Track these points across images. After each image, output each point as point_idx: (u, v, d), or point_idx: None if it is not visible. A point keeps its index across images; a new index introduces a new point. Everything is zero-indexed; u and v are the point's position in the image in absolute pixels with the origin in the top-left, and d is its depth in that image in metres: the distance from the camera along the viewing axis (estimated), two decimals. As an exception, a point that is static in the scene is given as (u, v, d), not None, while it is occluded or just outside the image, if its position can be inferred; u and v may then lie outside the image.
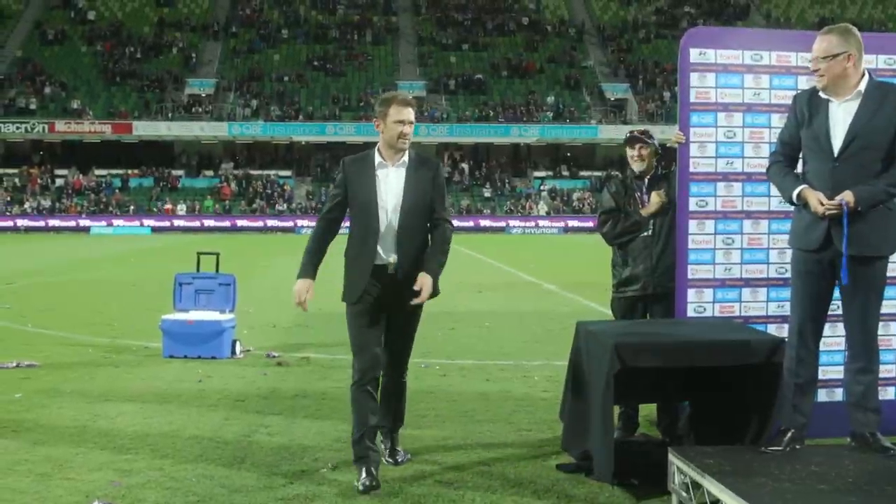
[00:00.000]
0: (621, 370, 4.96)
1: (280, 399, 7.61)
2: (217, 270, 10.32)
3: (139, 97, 60.16)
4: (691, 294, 5.86)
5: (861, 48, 4.99)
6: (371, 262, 5.43)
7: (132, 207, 55.53)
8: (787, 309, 5.36)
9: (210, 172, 60.38)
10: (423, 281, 5.35)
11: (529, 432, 6.48)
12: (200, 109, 59.47)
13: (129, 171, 59.24)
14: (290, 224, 53.98)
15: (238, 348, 9.81)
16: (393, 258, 5.42)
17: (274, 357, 9.68)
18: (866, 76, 5.04)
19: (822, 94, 5.04)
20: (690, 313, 5.85)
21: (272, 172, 60.41)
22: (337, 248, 5.64)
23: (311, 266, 5.57)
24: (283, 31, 67.35)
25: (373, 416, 5.42)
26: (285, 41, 66.84)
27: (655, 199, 6.14)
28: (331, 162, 60.97)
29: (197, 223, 53.74)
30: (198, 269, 10.36)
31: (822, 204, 4.85)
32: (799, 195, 4.96)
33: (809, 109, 5.07)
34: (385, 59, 66.06)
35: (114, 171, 59.16)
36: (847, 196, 4.82)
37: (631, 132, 6.42)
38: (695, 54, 5.81)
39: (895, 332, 5.86)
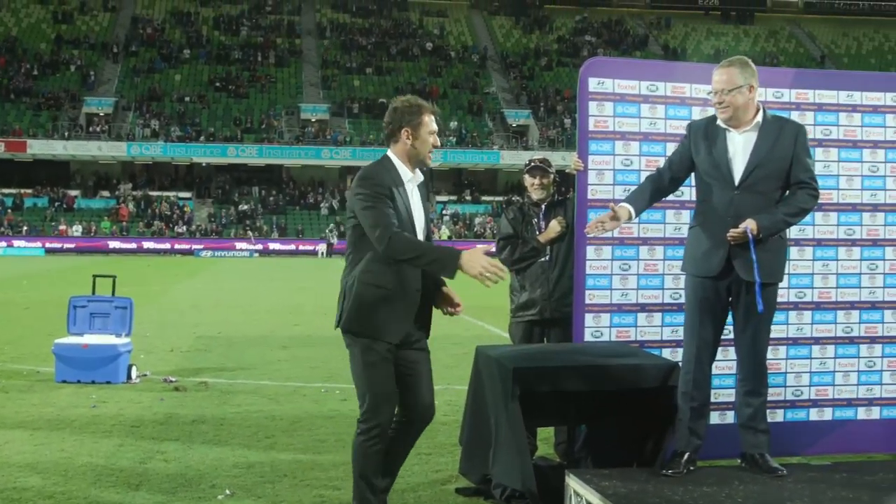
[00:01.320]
0: (525, 394, 5.01)
1: (177, 425, 7.49)
2: (113, 293, 10.12)
3: (34, 115, 58.74)
4: (588, 319, 5.94)
5: (757, 80, 5.17)
6: (417, 293, 4.82)
7: (25, 228, 54.09)
8: (681, 333, 5.49)
9: (107, 193, 59.18)
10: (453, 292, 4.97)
11: (429, 456, 6.50)
12: (98, 129, 58.30)
13: (23, 191, 57.72)
14: (188, 247, 53.25)
15: (134, 373, 9.61)
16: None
17: (171, 382, 9.52)
18: (761, 108, 5.23)
19: (720, 124, 5.21)
20: (587, 338, 5.94)
21: (172, 194, 59.48)
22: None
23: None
24: (184, 51, 66.54)
25: (382, 478, 4.88)
26: (187, 61, 66.04)
27: (555, 226, 6.23)
28: (231, 184, 60.41)
29: (95, 244, 52.57)
30: (93, 292, 10.14)
31: (729, 233, 4.99)
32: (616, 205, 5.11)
33: (707, 138, 5.22)
34: (288, 82, 65.75)
35: (6, 191, 57.58)
36: (751, 224, 4.97)
37: (531, 161, 6.51)
38: (593, 83, 5.92)
39: (784, 357, 6.03)
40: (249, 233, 55.69)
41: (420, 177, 4.92)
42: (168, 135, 58.18)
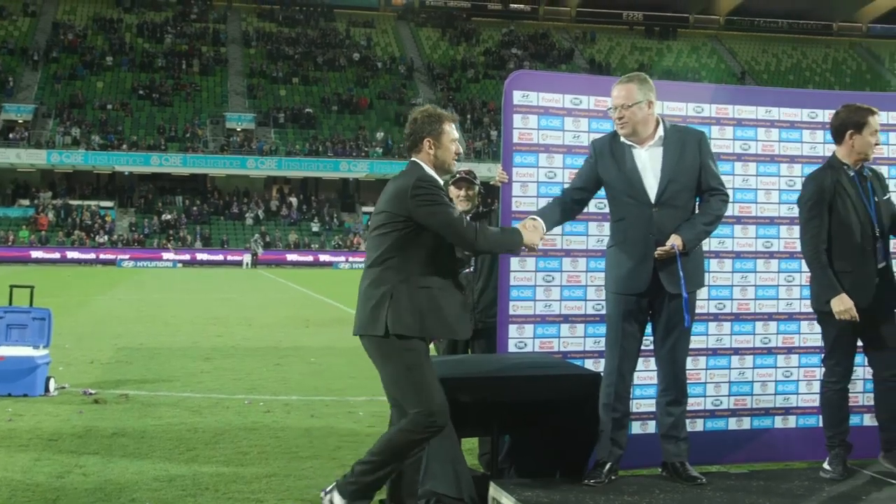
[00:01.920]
0: (449, 405, 5.02)
1: (96, 438, 7.35)
2: (31, 304, 9.91)
3: (-51, 121, 57.44)
4: (512, 330, 5.98)
5: (655, 95, 5.29)
6: (461, 289, 4.94)
7: (-61, 237, 52.82)
8: (603, 344, 5.55)
9: (26, 202, 57.96)
10: None
11: (354, 468, 6.47)
12: (17, 136, 57.11)
13: (-63, 199, 56.40)
14: (113, 257, 52.40)
15: (52, 385, 9.41)
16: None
17: (91, 394, 9.34)
18: (661, 121, 5.34)
19: (624, 141, 5.29)
20: (511, 349, 5.97)
21: (93, 203, 58.46)
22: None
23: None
24: (107, 58, 65.54)
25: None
26: (109, 68, 65.05)
27: None
28: (154, 193, 59.60)
29: (13, 254, 51.35)
30: (10, 303, 9.92)
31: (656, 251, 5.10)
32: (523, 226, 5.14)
33: (613, 156, 5.29)
34: (213, 90, 65.15)
35: (-81, 199, 56.21)
36: (676, 241, 5.09)
37: (457, 173, 6.53)
38: (518, 96, 5.97)
39: (704, 367, 6.13)
40: (168, 243, 54.87)
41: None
42: (89, 143, 57.22)
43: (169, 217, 57.65)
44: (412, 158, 4.93)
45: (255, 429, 7.77)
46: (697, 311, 5.67)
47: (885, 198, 5.63)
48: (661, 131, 5.30)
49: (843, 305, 5.38)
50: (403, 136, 5.03)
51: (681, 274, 5.10)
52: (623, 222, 5.30)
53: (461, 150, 4.99)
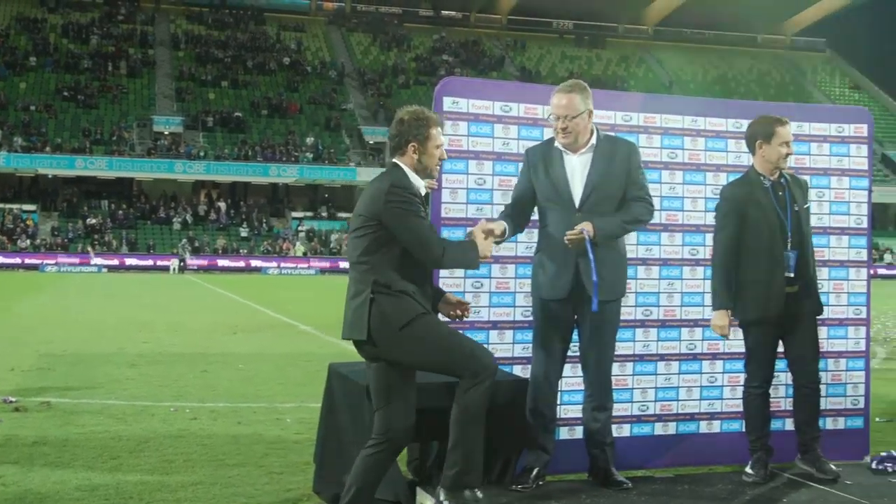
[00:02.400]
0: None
1: (16, 447, 7.19)
2: (-51, 309, 9.67)
3: None
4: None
5: (593, 104, 5.37)
6: (430, 297, 4.97)
7: None
8: (531, 351, 5.58)
9: (-55, 205, 56.70)
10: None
11: (281, 475, 6.41)
12: (-64, 137, 55.83)
13: None
14: (39, 262, 51.45)
15: (-29, 393, 9.21)
16: None
17: (11, 402, 9.13)
18: (595, 129, 5.41)
19: (558, 146, 5.34)
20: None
21: (15, 206, 57.26)
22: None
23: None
24: (30, 59, 64.29)
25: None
26: (33, 69, 63.83)
27: None
28: (80, 197, 58.59)
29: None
30: (-73, 308, 9.69)
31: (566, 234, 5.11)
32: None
33: (545, 161, 5.35)
34: (141, 93, 64.30)
35: None
36: (587, 226, 5.11)
37: None
38: (448, 103, 5.98)
39: (630, 373, 6.20)
40: (89, 248, 53.89)
41: (424, 188, 4.91)
42: (11, 145, 56.04)
43: (94, 221, 56.71)
44: (394, 160, 4.87)
45: (181, 436, 7.66)
46: (624, 317, 5.75)
47: (806, 206, 5.76)
48: (594, 140, 5.36)
49: (718, 321, 5.62)
50: (389, 136, 4.94)
51: (591, 258, 5.12)
52: (547, 228, 5.36)
53: (445, 156, 4.98)
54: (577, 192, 5.26)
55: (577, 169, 5.30)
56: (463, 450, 4.77)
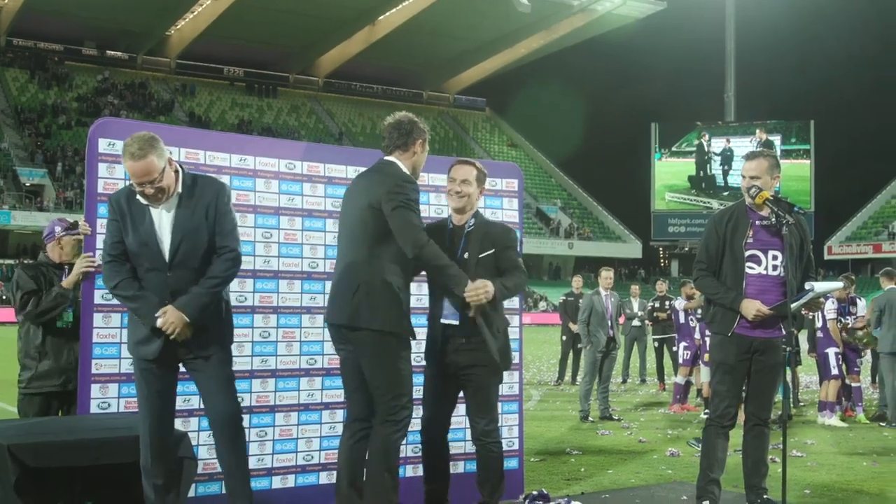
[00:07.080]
0: (24, 473, 4.66)
1: None
2: None
3: None
4: (95, 389, 5.66)
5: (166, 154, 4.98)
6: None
7: None
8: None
9: None
10: None
11: None
12: None
13: None
14: None
15: None
16: None
17: None
18: (180, 173, 5.05)
19: (139, 199, 4.93)
20: (94, 409, 5.65)
21: None
22: None
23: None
24: None
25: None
26: None
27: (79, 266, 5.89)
28: None
29: None
30: None
31: None
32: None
33: (131, 212, 4.96)
34: None
35: None
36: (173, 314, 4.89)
37: (62, 221, 6.37)
38: (104, 144, 5.73)
39: (296, 422, 6.13)
40: None
41: None
42: None
43: None
44: (389, 157, 5.05)
45: None
46: (240, 367, 5.67)
47: (491, 252, 5.50)
48: (179, 187, 5.01)
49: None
50: (391, 134, 5.15)
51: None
52: (147, 286, 4.98)
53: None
54: (166, 249, 4.98)
55: (165, 223, 4.98)
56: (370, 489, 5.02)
